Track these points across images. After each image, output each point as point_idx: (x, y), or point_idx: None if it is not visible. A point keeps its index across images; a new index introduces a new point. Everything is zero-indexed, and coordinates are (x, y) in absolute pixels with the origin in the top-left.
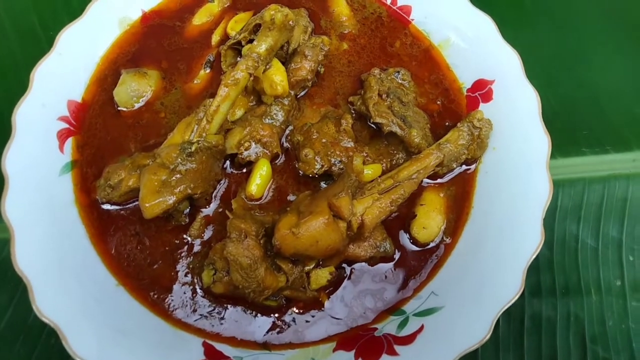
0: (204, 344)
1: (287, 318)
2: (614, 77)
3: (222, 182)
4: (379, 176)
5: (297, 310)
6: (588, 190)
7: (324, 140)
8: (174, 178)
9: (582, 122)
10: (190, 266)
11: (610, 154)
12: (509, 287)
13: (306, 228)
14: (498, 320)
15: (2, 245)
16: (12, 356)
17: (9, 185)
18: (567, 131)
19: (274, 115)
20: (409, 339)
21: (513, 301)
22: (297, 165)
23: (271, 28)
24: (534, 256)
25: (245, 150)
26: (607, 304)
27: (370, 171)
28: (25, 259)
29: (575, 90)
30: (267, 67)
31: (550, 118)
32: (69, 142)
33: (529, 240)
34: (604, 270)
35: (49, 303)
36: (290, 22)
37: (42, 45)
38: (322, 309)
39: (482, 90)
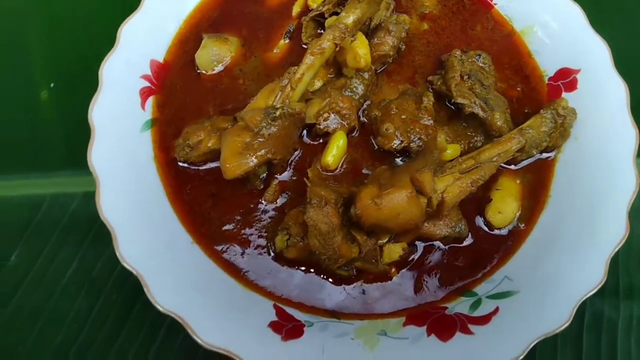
0: (275, 307)
1: (356, 289)
2: None
3: (297, 151)
4: (458, 157)
5: (367, 283)
6: None
7: (403, 117)
8: (256, 141)
9: None
10: (264, 230)
11: None
12: (590, 276)
13: (388, 200)
14: None
15: (69, 200)
16: (74, 308)
17: (95, 136)
18: None
19: (354, 89)
20: (484, 320)
21: (595, 290)
22: (373, 140)
23: (360, 0)
24: (618, 248)
25: (324, 120)
26: None
27: (451, 150)
28: (109, 207)
29: None
30: (353, 39)
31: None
32: (150, 101)
33: (613, 232)
34: None
35: (131, 251)
36: None
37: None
38: (392, 283)
39: (565, 79)
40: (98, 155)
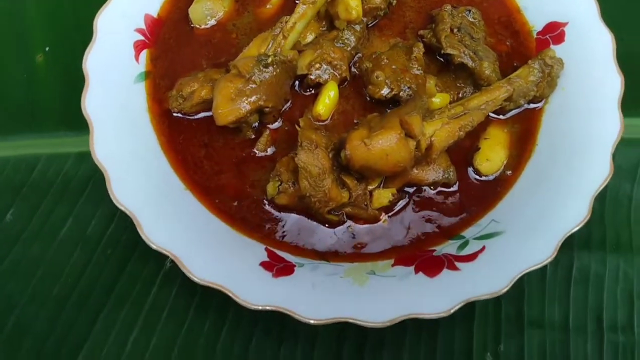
0: (267, 250)
1: (346, 233)
2: None
3: (289, 102)
4: (448, 104)
5: (357, 227)
6: None
7: (394, 67)
8: (248, 87)
9: None
10: (256, 178)
11: None
12: (575, 213)
13: (378, 140)
14: (546, 270)
15: (64, 160)
16: (70, 262)
17: (89, 84)
18: (630, 92)
19: (346, 40)
20: (470, 258)
21: (580, 226)
22: (365, 91)
23: None
24: (603, 186)
25: (316, 70)
26: None
27: (439, 99)
28: (102, 151)
29: None
30: None
31: None
32: (144, 54)
33: (597, 171)
34: None
35: (124, 193)
36: None
37: None
38: (382, 228)
39: (553, 32)
40: (92, 102)
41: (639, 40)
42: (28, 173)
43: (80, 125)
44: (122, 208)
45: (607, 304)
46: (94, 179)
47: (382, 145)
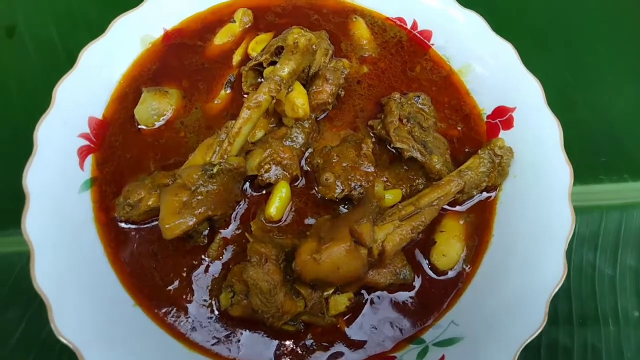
0: None
1: (305, 343)
2: (630, 105)
3: (241, 203)
4: (399, 202)
5: (315, 336)
6: (605, 219)
7: (344, 164)
8: (194, 199)
9: (599, 150)
10: (208, 288)
11: (628, 182)
12: (531, 320)
13: (328, 254)
14: None
15: (16, 259)
16: None
17: (30, 203)
18: (585, 158)
19: (295, 138)
20: None
21: (535, 335)
22: (316, 189)
23: (294, 52)
24: (557, 289)
25: (266, 172)
26: (625, 334)
27: (391, 196)
28: (45, 278)
29: (593, 117)
30: (289, 90)
31: (568, 144)
32: (89, 159)
33: (551, 273)
34: (621, 300)
35: (67, 323)
36: (313, 46)
37: (62, 61)
38: (340, 335)
39: (502, 117)
40: (33, 223)
41: (587, 107)
42: None
43: None
44: (65, 341)
45: None
46: None
47: (332, 258)
